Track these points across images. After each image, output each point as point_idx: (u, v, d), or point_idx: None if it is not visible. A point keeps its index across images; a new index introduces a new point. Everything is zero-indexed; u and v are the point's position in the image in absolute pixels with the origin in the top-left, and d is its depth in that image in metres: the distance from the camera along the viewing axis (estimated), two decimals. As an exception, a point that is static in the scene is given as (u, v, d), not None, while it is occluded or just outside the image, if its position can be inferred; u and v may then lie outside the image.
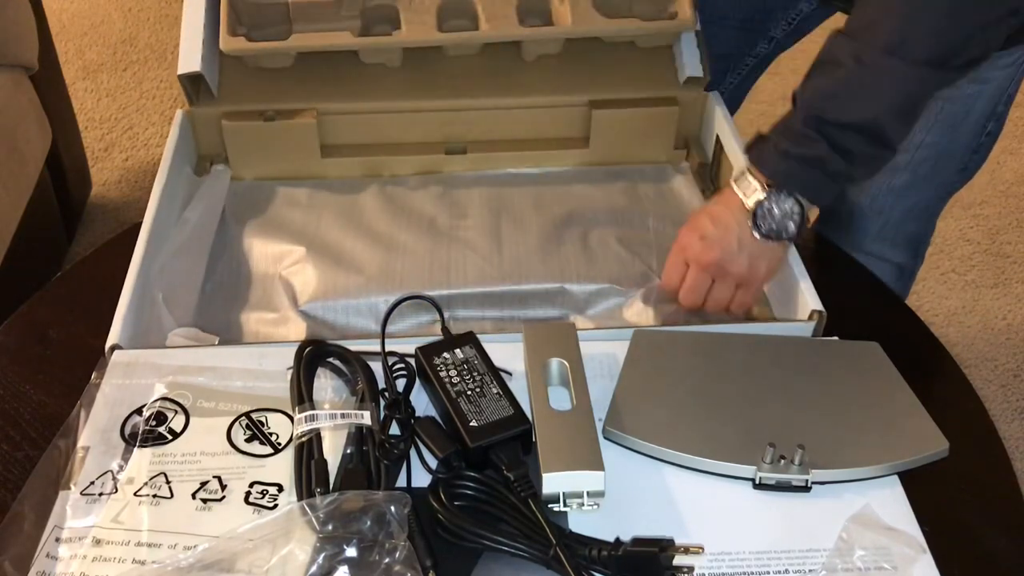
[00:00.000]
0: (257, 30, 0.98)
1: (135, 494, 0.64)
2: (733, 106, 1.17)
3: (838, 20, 1.01)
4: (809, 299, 0.77)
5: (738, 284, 0.80)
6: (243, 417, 0.70)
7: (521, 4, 0.96)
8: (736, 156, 0.92)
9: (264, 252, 0.90)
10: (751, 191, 0.78)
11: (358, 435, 0.66)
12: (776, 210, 0.77)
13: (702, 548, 0.61)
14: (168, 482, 0.65)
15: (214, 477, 0.65)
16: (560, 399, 0.69)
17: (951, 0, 0.70)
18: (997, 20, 0.73)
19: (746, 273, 0.79)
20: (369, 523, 0.59)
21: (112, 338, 0.73)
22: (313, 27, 0.96)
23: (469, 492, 0.64)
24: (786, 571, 0.61)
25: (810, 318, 0.77)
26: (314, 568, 0.58)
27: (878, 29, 0.72)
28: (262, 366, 0.73)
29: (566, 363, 0.71)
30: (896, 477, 0.67)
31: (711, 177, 0.98)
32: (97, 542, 0.61)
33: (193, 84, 0.95)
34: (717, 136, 0.97)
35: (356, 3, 0.97)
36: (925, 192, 1.04)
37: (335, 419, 0.67)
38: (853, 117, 0.75)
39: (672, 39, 1.00)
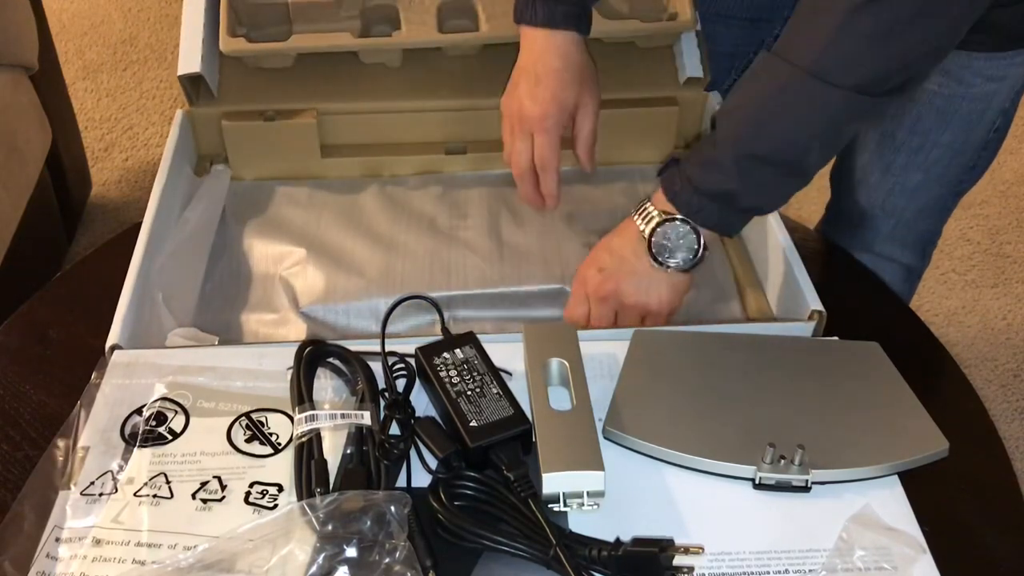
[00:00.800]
0: (257, 30, 0.98)
1: (135, 494, 0.64)
2: None
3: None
4: (809, 299, 0.77)
5: (642, 315, 0.79)
6: (243, 417, 0.70)
7: None
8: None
9: (264, 253, 0.90)
10: (648, 219, 0.76)
11: (358, 435, 0.66)
12: (672, 235, 0.75)
13: (702, 548, 0.61)
14: (168, 482, 0.65)
15: (214, 477, 0.65)
16: (560, 399, 0.69)
17: (873, 29, 0.65)
18: (923, 55, 0.68)
19: (645, 303, 0.77)
20: (369, 523, 0.59)
21: (112, 338, 0.73)
22: (313, 27, 0.96)
23: (469, 492, 0.64)
24: (786, 571, 0.61)
25: (810, 318, 0.77)
26: (314, 568, 0.58)
27: (803, 51, 0.67)
28: (262, 366, 0.73)
29: (566, 363, 0.71)
30: (896, 477, 0.67)
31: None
32: (97, 542, 0.61)
33: (193, 84, 0.95)
34: None
35: (356, 3, 0.97)
36: (937, 191, 1.04)
37: (335, 419, 0.67)
38: (772, 146, 0.70)
39: (672, 39, 1.00)
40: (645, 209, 0.76)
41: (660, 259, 0.76)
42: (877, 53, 0.66)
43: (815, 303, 0.77)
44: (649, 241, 0.75)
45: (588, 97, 0.85)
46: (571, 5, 0.82)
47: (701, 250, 0.75)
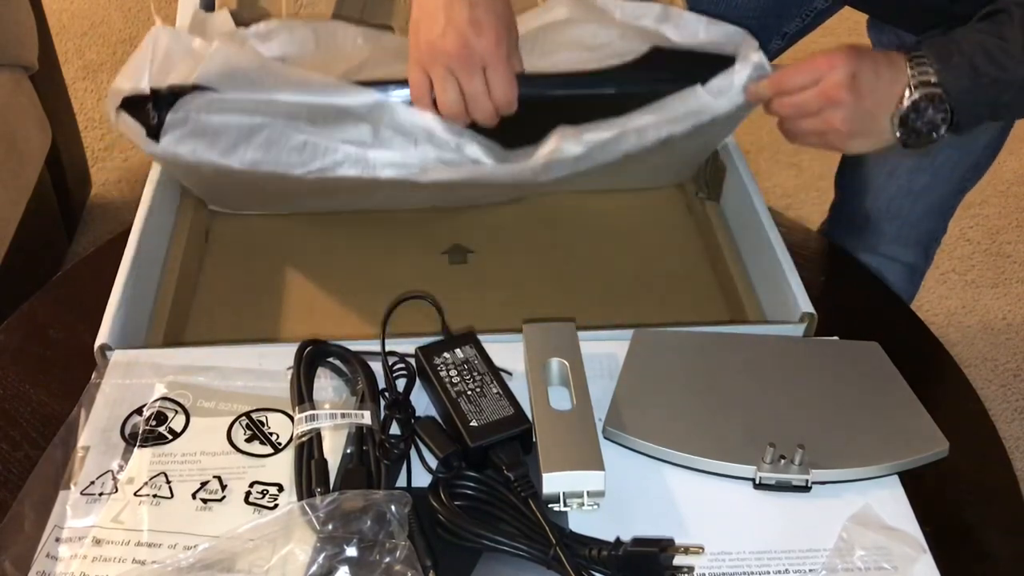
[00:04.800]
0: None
1: (135, 494, 0.64)
2: None
3: (848, 15, 1.02)
4: (800, 301, 0.77)
5: (819, 131, 0.75)
6: (243, 417, 0.70)
7: None
8: (731, 159, 0.91)
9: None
10: (923, 80, 0.71)
11: (358, 435, 0.66)
12: (926, 115, 0.72)
13: (702, 548, 0.61)
14: (168, 482, 0.65)
15: (214, 477, 0.65)
16: (560, 399, 0.69)
17: None
18: None
19: (842, 129, 0.73)
20: (369, 523, 0.59)
21: (101, 337, 0.73)
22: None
23: (469, 492, 0.64)
24: (786, 571, 0.61)
25: (800, 320, 0.77)
26: (314, 568, 0.58)
27: None
28: (262, 366, 0.73)
29: (566, 363, 0.71)
30: (896, 477, 0.67)
31: (706, 180, 0.98)
32: (97, 542, 0.61)
33: None
34: None
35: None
36: (942, 190, 1.04)
37: (335, 419, 0.67)
38: None
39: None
40: (923, 66, 0.72)
41: (908, 129, 0.72)
42: None
43: (806, 305, 0.77)
44: (910, 106, 0.72)
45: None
46: None
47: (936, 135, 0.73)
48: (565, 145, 0.77)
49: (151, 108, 0.75)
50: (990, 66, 0.71)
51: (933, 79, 0.71)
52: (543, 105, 0.79)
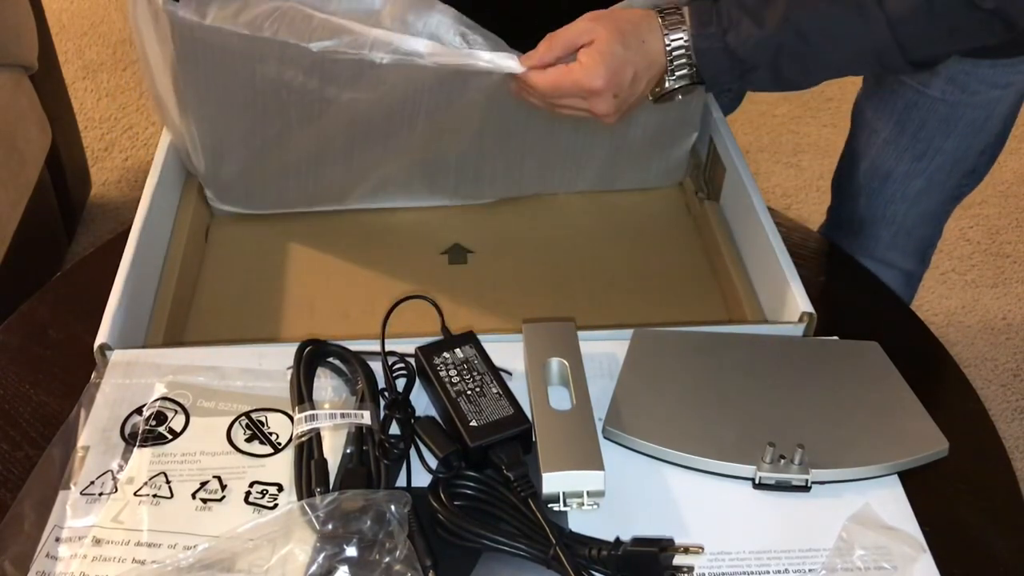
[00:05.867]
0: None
1: (135, 494, 0.64)
2: (733, 105, 1.17)
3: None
4: (800, 301, 0.77)
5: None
6: (243, 417, 0.70)
7: None
8: (730, 158, 0.91)
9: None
10: (676, 35, 0.73)
11: (358, 435, 0.66)
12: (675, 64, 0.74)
13: (702, 548, 0.61)
14: (168, 482, 0.65)
15: (214, 477, 0.65)
16: (560, 399, 0.69)
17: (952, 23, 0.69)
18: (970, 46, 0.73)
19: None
20: (369, 523, 0.59)
21: (101, 337, 0.73)
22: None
23: (469, 492, 0.64)
24: (786, 571, 0.61)
25: (800, 320, 0.77)
26: (314, 568, 0.58)
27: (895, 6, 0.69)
28: (262, 366, 0.73)
29: (566, 363, 0.71)
30: (896, 477, 0.67)
31: (705, 179, 0.98)
32: (97, 542, 0.61)
33: None
34: (711, 138, 0.97)
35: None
36: (938, 196, 1.04)
37: (335, 419, 0.67)
38: (817, 59, 0.72)
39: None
40: (675, 20, 0.73)
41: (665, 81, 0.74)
42: (938, 39, 0.71)
43: (805, 305, 0.77)
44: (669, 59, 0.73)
45: None
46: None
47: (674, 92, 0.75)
48: None
49: None
50: (739, 41, 0.72)
51: (686, 43, 0.73)
52: None
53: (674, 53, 0.73)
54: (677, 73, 0.74)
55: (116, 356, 0.73)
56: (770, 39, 0.72)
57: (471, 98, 0.81)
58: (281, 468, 0.66)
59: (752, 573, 0.61)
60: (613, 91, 0.73)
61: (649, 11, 0.74)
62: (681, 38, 0.73)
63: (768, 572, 0.61)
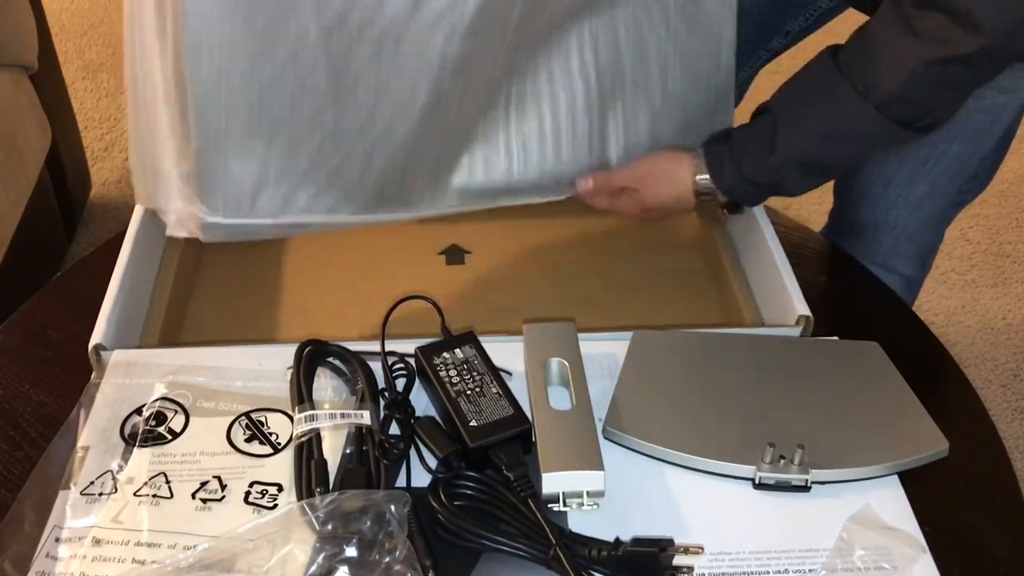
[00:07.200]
0: None
1: (135, 494, 0.64)
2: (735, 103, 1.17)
3: (853, 15, 1.01)
4: (796, 304, 0.77)
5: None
6: (243, 417, 0.70)
7: None
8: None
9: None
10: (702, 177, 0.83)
11: (358, 435, 0.66)
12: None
13: (702, 548, 0.61)
14: (168, 482, 0.65)
15: (214, 477, 0.65)
16: (560, 399, 0.69)
17: (943, 80, 0.72)
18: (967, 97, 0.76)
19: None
20: (369, 523, 0.59)
21: (96, 337, 0.73)
22: None
23: (469, 492, 0.64)
24: (786, 571, 0.61)
25: (796, 323, 0.77)
26: (314, 568, 0.58)
27: (875, 86, 0.73)
28: (262, 366, 0.73)
29: (566, 363, 0.71)
30: (896, 477, 0.67)
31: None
32: (97, 542, 0.61)
33: None
34: None
35: None
36: (940, 202, 1.04)
37: (335, 419, 0.67)
38: (830, 161, 0.79)
39: None
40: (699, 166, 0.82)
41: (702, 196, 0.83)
42: (942, 99, 0.75)
43: (802, 308, 0.76)
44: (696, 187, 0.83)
45: None
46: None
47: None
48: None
49: None
50: (757, 171, 0.80)
51: (710, 185, 0.82)
52: None
53: (700, 192, 0.83)
54: (703, 205, 0.84)
55: (116, 356, 0.73)
56: (783, 159, 0.78)
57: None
58: (281, 468, 0.66)
59: (752, 573, 0.61)
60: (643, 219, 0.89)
61: (685, 154, 0.83)
62: (705, 177, 0.82)
63: (768, 572, 0.61)
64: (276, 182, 0.73)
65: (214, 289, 0.88)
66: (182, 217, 0.74)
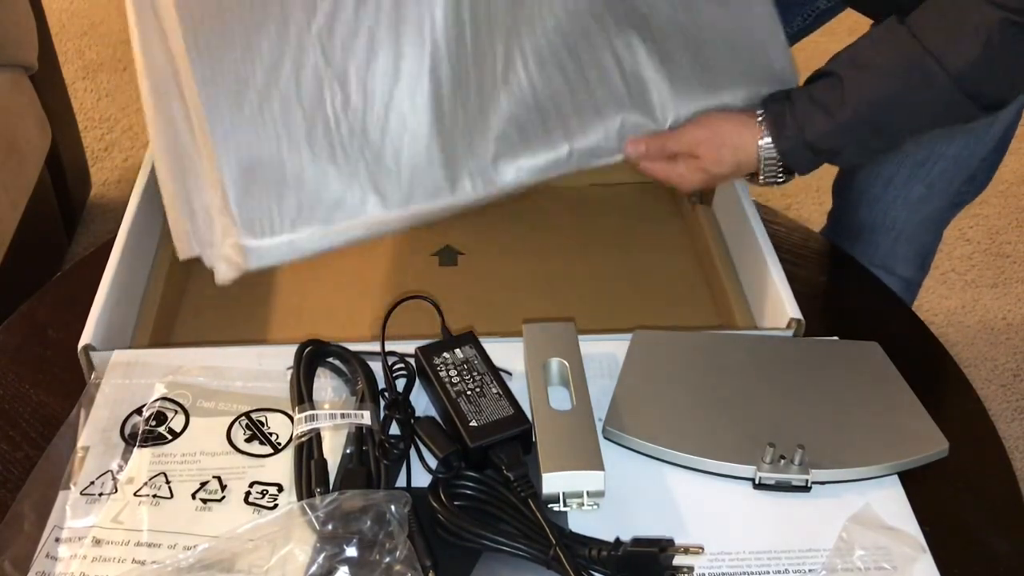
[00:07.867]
0: None
1: (135, 494, 0.64)
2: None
3: (851, 15, 1.01)
4: (788, 307, 0.77)
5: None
6: (243, 417, 0.70)
7: None
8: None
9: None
10: (768, 141, 0.78)
11: (358, 435, 0.66)
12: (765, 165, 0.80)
13: (702, 548, 0.61)
14: (168, 482, 0.65)
15: (214, 477, 0.65)
16: (560, 399, 0.69)
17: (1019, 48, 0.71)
18: None
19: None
20: (369, 523, 0.59)
21: (85, 338, 0.73)
22: None
23: (469, 492, 0.64)
24: (786, 571, 0.61)
25: (788, 326, 0.77)
26: (314, 568, 0.58)
27: (953, 57, 0.71)
28: (262, 366, 0.73)
29: (566, 363, 0.71)
30: (896, 477, 0.67)
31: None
32: (97, 542, 0.61)
33: None
34: None
35: None
36: (938, 203, 1.04)
37: (335, 419, 0.67)
38: (896, 131, 0.76)
39: None
40: (765, 127, 0.78)
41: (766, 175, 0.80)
42: (1018, 68, 0.72)
43: (794, 311, 0.76)
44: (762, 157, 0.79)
45: None
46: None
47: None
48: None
49: None
50: (819, 135, 0.76)
51: (774, 151, 0.79)
52: None
53: (765, 158, 0.79)
54: (766, 171, 0.80)
55: (116, 356, 0.73)
56: (844, 125, 0.75)
57: None
58: (281, 468, 0.66)
59: (752, 573, 0.61)
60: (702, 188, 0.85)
61: (748, 118, 0.79)
62: (768, 142, 0.78)
63: (768, 572, 0.61)
64: (308, 191, 0.71)
65: (209, 290, 0.88)
66: (225, 254, 0.72)
